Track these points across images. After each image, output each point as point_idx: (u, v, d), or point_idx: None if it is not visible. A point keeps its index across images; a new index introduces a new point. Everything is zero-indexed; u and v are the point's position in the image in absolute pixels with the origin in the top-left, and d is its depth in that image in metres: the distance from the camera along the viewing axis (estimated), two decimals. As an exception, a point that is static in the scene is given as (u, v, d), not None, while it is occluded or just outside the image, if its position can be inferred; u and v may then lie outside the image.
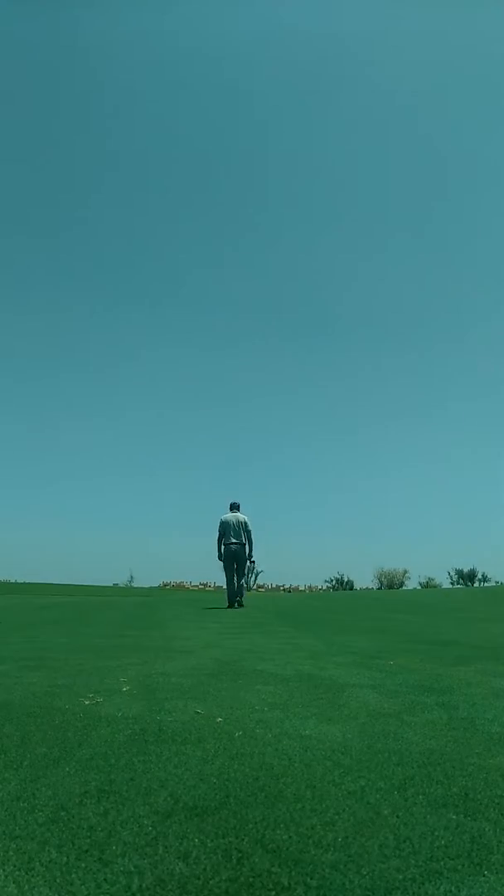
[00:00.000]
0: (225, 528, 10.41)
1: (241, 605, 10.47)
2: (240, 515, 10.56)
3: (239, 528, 10.43)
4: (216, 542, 10.53)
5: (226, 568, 10.51)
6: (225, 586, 10.69)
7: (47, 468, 52.70)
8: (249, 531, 10.49)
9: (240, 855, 1.58)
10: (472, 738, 2.56)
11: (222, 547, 10.43)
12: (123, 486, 53.02)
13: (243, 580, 10.86)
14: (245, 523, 10.49)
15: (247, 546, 10.47)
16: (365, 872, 1.49)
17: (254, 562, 10.91)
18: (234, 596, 10.49)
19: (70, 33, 36.13)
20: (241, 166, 47.06)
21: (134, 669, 3.98)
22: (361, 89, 43.66)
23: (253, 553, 10.55)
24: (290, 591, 32.00)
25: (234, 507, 10.68)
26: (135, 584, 34.22)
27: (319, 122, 45.49)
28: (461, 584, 38.25)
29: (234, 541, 10.38)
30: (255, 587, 30.59)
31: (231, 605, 10.39)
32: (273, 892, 1.42)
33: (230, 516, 10.52)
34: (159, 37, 36.15)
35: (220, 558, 10.48)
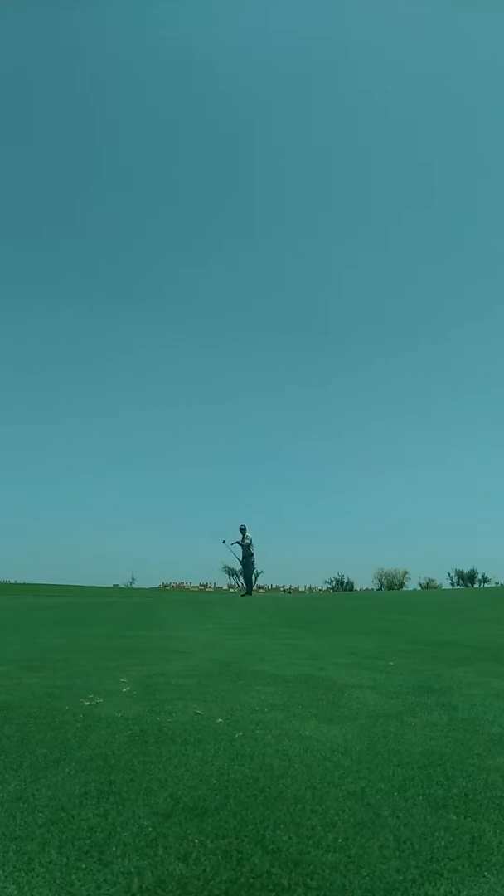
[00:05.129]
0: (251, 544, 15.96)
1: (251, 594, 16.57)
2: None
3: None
4: (251, 553, 15.78)
5: (251, 569, 16.29)
6: (244, 583, 16.84)
7: (47, 469, 52.71)
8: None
9: (240, 856, 1.58)
10: (472, 738, 2.56)
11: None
12: (124, 487, 53.03)
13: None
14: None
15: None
16: (365, 873, 1.49)
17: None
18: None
19: (64, 35, 36.13)
20: (238, 167, 47.10)
21: (134, 670, 3.97)
22: (358, 90, 43.71)
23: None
24: (290, 592, 31.97)
25: (246, 529, 15.78)
26: (135, 585, 34.22)
27: (315, 123, 45.53)
28: (461, 585, 38.22)
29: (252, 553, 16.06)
30: (255, 587, 30.64)
31: (249, 594, 16.15)
32: (273, 893, 1.42)
33: (249, 535, 15.74)
34: (155, 38, 36.16)
35: (247, 564, 16.01)
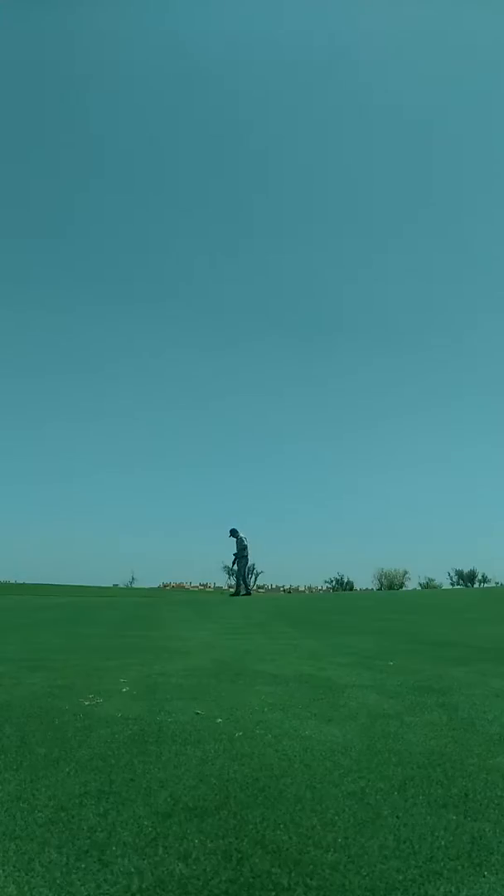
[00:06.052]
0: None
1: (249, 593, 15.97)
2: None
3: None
4: (245, 554, 15.45)
5: (245, 570, 15.65)
6: (243, 583, 15.72)
7: (47, 469, 52.73)
8: None
9: (240, 855, 1.58)
10: (472, 738, 2.56)
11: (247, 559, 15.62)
12: (124, 487, 53.06)
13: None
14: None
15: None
16: (365, 873, 1.49)
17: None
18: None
19: (73, 37, 36.12)
20: (244, 168, 47.11)
21: (134, 670, 3.97)
22: (363, 94, 43.73)
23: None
24: (290, 592, 32.01)
25: (238, 532, 15.29)
26: (135, 585, 34.25)
27: (321, 127, 45.54)
28: (461, 585, 38.26)
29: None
30: (254, 588, 30.66)
31: (248, 594, 15.48)
32: (273, 893, 1.42)
33: (243, 536, 15.27)
34: (162, 38, 36.19)
35: (246, 565, 15.67)
